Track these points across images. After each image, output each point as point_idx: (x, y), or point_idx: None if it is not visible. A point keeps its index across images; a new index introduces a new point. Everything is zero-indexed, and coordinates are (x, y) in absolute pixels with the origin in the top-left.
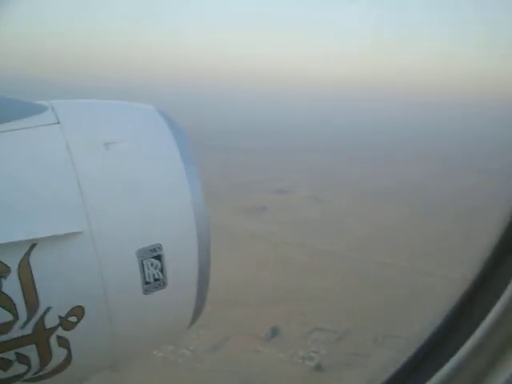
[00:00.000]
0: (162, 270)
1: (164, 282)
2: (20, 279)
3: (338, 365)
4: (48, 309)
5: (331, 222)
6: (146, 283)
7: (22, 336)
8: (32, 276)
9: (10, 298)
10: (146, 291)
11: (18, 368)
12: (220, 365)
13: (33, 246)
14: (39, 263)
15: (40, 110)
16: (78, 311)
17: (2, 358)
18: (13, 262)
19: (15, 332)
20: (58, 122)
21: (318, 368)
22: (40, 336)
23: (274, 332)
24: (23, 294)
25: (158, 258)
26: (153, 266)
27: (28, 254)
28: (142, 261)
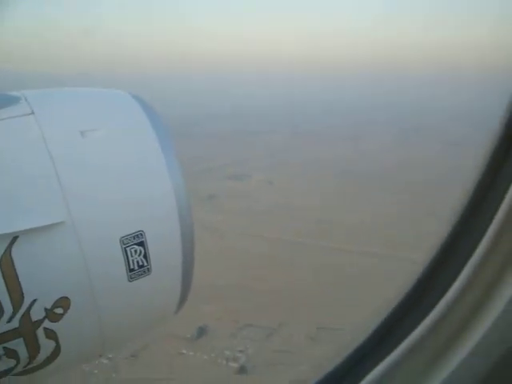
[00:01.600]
0: (145, 257)
1: (148, 269)
2: (3, 273)
3: (263, 365)
4: (33, 301)
5: (286, 208)
6: (131, 270)
7: (9, 330)
8: (15, 269)
9: None
10: (131, 278)
11: (6, 362)
12: (138, 373)
13: (14, 239)
14: (22, 256)
15: (13, 100)
16: (64, 302)
17: None
18: None
19: (1, 327)
20: (32, 113)
21: (242, 370)
22: (27, 329)
23: (201, 332)
24: (7, 289)
25: (141, 244)
26: (136, 253)
27: (10, 247)
28: (125, 248)
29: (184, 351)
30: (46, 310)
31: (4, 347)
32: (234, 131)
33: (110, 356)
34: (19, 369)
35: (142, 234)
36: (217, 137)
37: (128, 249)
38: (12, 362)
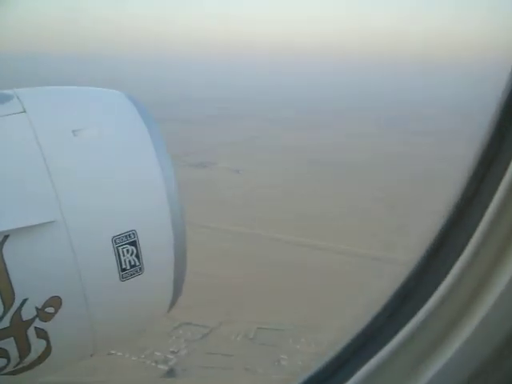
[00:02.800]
0: (137, 256)
1: (140, 268)
2: None
3: (194, 368)
4: (24, 301)
5: (250, 199)
6: (123, 270)
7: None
8: (6, 268)
9: None
10: (123, 278)
11: None
12: (59, 374)
13: (5, 238)
14: (13, 255)
15: (4, 99)
16: (55, 301)
17: None
18: None
19: None
20: (24, 111)
21: (170, 373)
22: (17, 329)
23: None
24: None
25: (133, 243)
26: (128, 253)
27: (0, 246)
28: (117, 247)
29: (112, 351)
30: (37, 309)
31: None
32: (210, 116)
33: None
34: (9, 368)
35: (134, 234)
36: (190, 122)
37: (120, 248)
38: (2, 362)
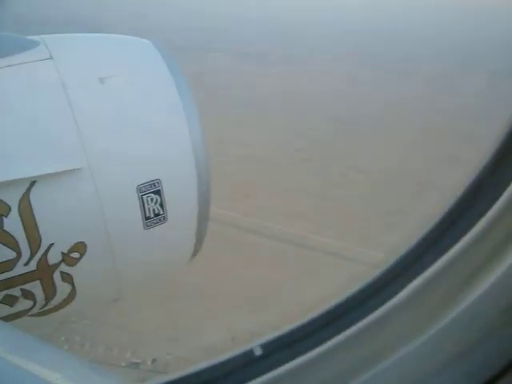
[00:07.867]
0: (161, 205)
1: (164, 217)
2: (21, 217)
3: None
4: (50, 245)
5: None
6: (147, 218)
7: (26, 273)
8: (33, 214)
9: (12, 236)
10: (146, 226)
11: (23, 304)
12: None
13: (32, 183)
14: (40, 201)
15: (32, 45)
16: (81, 247)
17: (8, 295)
18: (13, 201)
19: (19, 269)
20: (51, 58)
21: None
22: (44, 272)
23: None
24: (25, 232)
25: (158, 192)
26: (152, 201)
27: (28, 191)
28: (141, 196)
29: None
30: (62, 254)
31: (21, 289)
32: (176, 47)
33: None
34: (36, 310)
35: (158, 183)
36: None
37: (144, 197)
38: (29, 304)
